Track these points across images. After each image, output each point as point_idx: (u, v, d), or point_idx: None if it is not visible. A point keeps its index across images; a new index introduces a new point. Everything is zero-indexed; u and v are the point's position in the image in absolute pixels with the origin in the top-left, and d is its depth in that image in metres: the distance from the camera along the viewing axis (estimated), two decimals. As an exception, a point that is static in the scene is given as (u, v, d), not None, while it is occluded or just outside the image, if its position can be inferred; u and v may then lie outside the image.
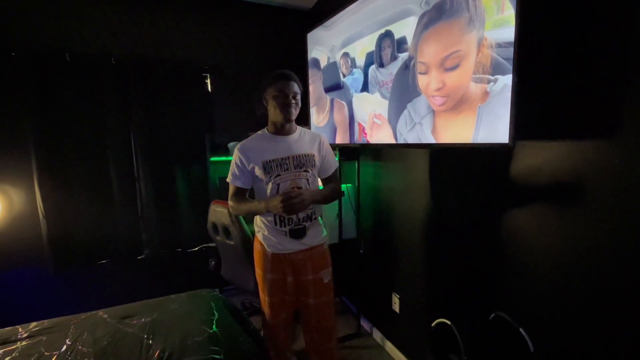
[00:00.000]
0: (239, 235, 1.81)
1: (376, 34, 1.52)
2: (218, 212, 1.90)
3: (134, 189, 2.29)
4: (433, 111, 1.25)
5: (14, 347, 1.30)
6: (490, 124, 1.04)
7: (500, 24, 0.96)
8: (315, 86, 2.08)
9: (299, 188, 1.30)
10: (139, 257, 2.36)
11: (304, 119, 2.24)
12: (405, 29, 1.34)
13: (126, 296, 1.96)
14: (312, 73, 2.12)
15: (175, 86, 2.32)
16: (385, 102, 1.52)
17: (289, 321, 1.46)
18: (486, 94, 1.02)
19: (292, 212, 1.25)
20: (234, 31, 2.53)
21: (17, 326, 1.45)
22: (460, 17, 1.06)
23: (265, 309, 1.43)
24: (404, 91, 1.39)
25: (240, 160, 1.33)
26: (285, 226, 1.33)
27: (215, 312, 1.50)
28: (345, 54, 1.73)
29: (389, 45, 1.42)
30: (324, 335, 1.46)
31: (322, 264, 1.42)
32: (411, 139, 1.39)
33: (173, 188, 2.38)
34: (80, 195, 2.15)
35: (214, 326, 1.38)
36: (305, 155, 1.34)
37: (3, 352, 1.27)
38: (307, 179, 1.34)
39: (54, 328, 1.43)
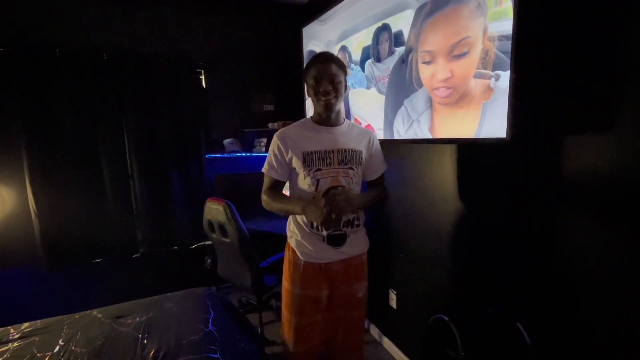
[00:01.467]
0: (235, 232, 1.80)
1: (372, 28, 1.49)
2: (214, 210, 1.88)
3: (128, 187, 2.26)
4: (431, 107, 1.24)
5: (5, 348, 1.28)
6: (496, 120, 1.01)
7: (499, 17, 0.95)
8: None
9: (341, 186, 1.13)
10: (134, 256, 2.34)
11: (299, 112, 2.22)
12: (401, 22, 1.32)
13: (121, 295, 1.94)
14: None
15: (169, 82, 2.29)
16: (382, 98, 1.50)
17: (318, 349, 1.26)
18: (489, 89, 1.01)
19: (330, 223, 1.06)
20: (228, 26, 2.49)
21: (9, 327, 1.42)
22: (470, 2, 1.04)
23: (290, 333, 1.22)
24: (401, 86, 1.37)
25: (279, 149, 1.17)
26: (322, 230, 1.16)
27: (211, 310, 1.48)
28: (344, 48, 1.70)
29: (387, 39, 1.40)
30: (350, 355, 1.30)
31: (359, 276, 1.27)
32: (409, 136, 1.38)
33: (168, 185, 2.35)
34: (73, 193, 2.12)
35: (210, 325, 1.37)
36: (352, 150, 1.18)
37: (-6, 353, 1.24)
38: (351, 178, 1.18)
39: (46, 328, 1.40)
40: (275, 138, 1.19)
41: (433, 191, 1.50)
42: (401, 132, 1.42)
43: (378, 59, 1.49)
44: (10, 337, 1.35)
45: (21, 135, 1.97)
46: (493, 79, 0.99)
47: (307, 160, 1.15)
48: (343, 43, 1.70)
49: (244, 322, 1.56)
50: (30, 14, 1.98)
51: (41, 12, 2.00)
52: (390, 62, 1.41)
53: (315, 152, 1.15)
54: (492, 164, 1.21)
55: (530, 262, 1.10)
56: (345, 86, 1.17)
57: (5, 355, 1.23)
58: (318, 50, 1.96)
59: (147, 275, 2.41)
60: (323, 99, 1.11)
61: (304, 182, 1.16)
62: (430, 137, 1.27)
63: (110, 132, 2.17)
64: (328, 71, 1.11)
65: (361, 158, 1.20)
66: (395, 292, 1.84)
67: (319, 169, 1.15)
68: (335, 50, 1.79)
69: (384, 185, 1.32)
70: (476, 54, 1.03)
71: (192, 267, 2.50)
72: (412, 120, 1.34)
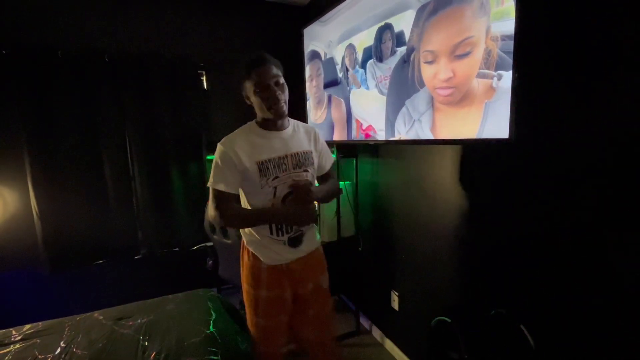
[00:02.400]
0: (236, 234, 1.79)
1: (373, 29, 1.49)
2: (215, 211, 1.88)
3: (130, 188, 2.26)
4: (433, 107, 1.23)
5: (7, 350, 1.28)
6: (498, 120, 1.00)
7: (500, 16, 0.94)
8: (318, 80, 2.03)
9: (298, 182, 1.15)
10: (135, 257, 2.34)
11: (301, 116, 2.22)
12: (402, 22, 1.32)
13: (122, 297, 1.94)
14: (312, 66, 2.07)
15: (170, 83, 2.28)
16: (383, 98, 1.50)
17: (284, 348, 1.27)
18: (491, 89, 1.00)
19: (307, 219, 1.10)
20: (230, 28, 2.49)
21: (11, 329, 1.42)
22: (472, 2, 1.03)
23: (259, 334, 1.23)
24: (402, 87, 1.36)
25: (228, 158, 1.09)
26: (282, 235, 1.16)
27: (212, 312, 1.48)
28: (350, 46, 1.67)
29: (390, 37, 1.39)
30: (324, 350, 1.31)
31: (321, 269, 1.30)
32: (410, 137, 1.37)
33: (169, 187, 2.35)
34: (75, 195, 2.12)
35: (211, 326, 1.37)
36: (303, 152, 1.18)
37: (-4, 355, 1.24)
38: (307, 180, 1.18)
39: (48, 330, 1.41)
40: (221, 148, 1.10)
41: (434, 192, 1.49)
42: (402, 132, 1.41)
43: (380, 59, 1.48)
44: (12, 339, 1.35)
45: (23, 137, 1.98)
46: (495, 78, 0.98)
47: (263, 169, 1.10)
48: (350, 41, 1.67)
49: (245, 324, 1.55)
50: (32, 16, 1.98)
51: (43, 15, 2.01)
52: (392, 62, 1.40)
53: (269, 160, 1.11)
54: (494, 164, 1.20)
55: (534, 264, 1.09)
56: (286, 85, 1.13)
57: (7, 357, 1.23)
58: (320, 51, 1.96)
59: (149, 276, 2.41)
60: (275, 106, 1.07)
61: (261, 193, 1.12)
62: (431, 137, 1.26)
63: (112, 133, 2.17)
64: (270, 73, 1.06)
65: (312, 158, 1.21)
66: (397, 294, 1.83)
67: (277, 177, 1.12)
68: (339, 50, 1.78)
69: (335, 178, 1.34)
70: (479, 53, 1.02)
71: (194, 269, 2.49)
72: (414, 121, 1.34)
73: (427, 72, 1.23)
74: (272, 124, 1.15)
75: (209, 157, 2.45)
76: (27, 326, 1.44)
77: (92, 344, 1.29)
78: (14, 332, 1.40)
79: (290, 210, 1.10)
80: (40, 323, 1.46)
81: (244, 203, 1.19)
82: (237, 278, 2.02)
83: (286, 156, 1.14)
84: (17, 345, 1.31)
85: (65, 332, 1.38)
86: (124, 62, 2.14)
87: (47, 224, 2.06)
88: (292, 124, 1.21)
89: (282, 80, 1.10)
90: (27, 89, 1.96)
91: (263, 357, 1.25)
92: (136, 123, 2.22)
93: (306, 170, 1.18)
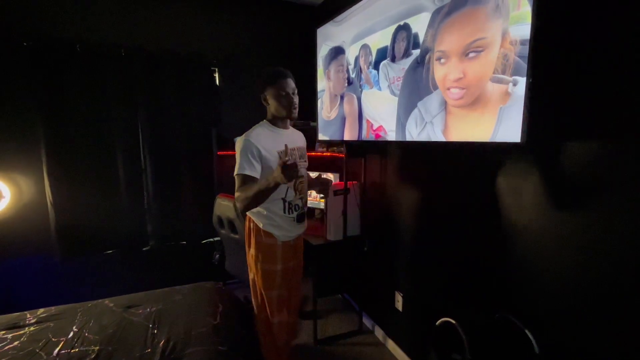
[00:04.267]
0: (243, 229, 1.82)
1: (388, 30, 1.50)
2: (223, 206, 1.91)
3: (141, 181, 2.31)
4: (445, 110, 1.24)
5: (22, 332, 1.32)
6: (512, 125, 1.00)
7: (516, 21, 0.95)
8: (341, 76, 2.00)
9: (302, 177, 1.47)
10: (144, 249, 2.38)
11: (311, 114, 2.24)
12: (417, 24, 1.32)
13: (131, 286, 1.98)
14: (339, 60, 2.02)
15: (183, 79, 2.33)
16: (395, 99, 1.51)
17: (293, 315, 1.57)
18: (507, 94, 1.00)
19: (292, 175, 1.24)
20: (243, 25, 2.52)
21: (26, 312, 1.47)
22: (487, 4, 1.04)
23: (277, 305, 1.45)
24: (415, 88, 1.37)
25: (256, 150, 1.33)
26: (292, 212, 1.45)
27: (219, 304, 1.51)
28: (365, 46, 1.68)
29: (404, 38, 1.40)
30: (294, 312, 1.61)
31: (302, 245, 1.64)
32: (422, 139, 1.38)
33: (180, 181, 2.39)
34: (88, 185, 2.17)
35: (218, 318, 1.39)
36: (302, 148, 1.53)
37: (12, 336, 1.29)
38: (305, 169, 1.54)
39: (61, 315, 1.45)
40: (248, 141, 1.33)
41: (443, 194, 1.50)
42: (414, 134, 1.42)
43: (393, 59, 1.49)
44: (27, 322, 1.39)
45: (40, 128, 2.03)
46: (511, 84, 0.98)
47: (282, 156, 1.32)
48: (363, 41, 1.68)
49: (250, 318, 1.58)
50: (53, 11, 2.04)
51: (63, 9, 2.06)
52: (405, 63, 1.41)
53: (283, 150, 1.37)
54: (504, 167, 1.21)
55: (541, 268, 1.09)
56: None
57: (22, 339, 1.27)
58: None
59: (156, 268, 2.46)
60: (292, 110, 1.39)
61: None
62: (443, 139, 1.27)
63: (126, 127, 2.22)
64: (292, 85, 1.39)
65: (306, 154, 1.56)
66: (401, 295, 1.84)
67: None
68: (352, 50, 1.79)
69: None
70: (492, 55, 1.02)
71: (200, 262, 2.53)
72: (425, 123, 1.34)
73: (439, 72, 1.23)
74: (281, 123, 1.45)
75: (219, 152, 2.48)
76: (41, 310, 1.48)
77: (103, 329, 1.33)
78: (28, 315, 1.44)
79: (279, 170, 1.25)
80: (53, 308, 1.51)
81: None
82: (242, 273, 2.05)
83: (294, 148, 1.47)
84: (32, 328, 1.35)
85: (78, 317, 1.42)
86: (139, 58, 2.19)
87: (60, 213, 2.11)
88: (290, 126, 1.53)
89: (296, 90, 1.42)
90: (46, 81, 2.02)
91: (279, 327, 1.46)
92: (149, 117, 2.26)
93: (305, 161, 1.54)
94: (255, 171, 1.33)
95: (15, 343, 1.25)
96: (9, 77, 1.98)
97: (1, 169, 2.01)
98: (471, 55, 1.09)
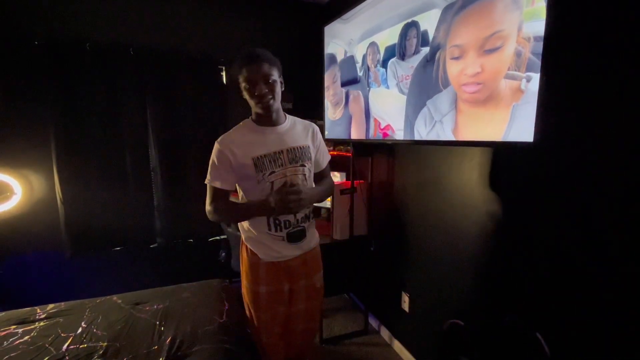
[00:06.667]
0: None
1: (396, 27, 1.48)
2: (230, 204, 1.91)
3: (150, 179, 2.33)
4: (456, 108, 1.21)
5: (32, 327, 1.34)
6: (525, 123, 0.98)
7: (531, 16, 0.92)
8: (335, 86, 2.04)
9: (295, 185, 1.15)
10: (152, 246, 2.40)
11: (319, 113, 2.23)
12: (426, 22, 1.30)
13: (139, 283, 2.00)
14: (329, 74, 2.07)
15: (191, 78, 2.34)
16: (403, 98, 1.49)
17: (283, 334, 1.30)
18: (519, 91, 0.98)
19: (287, 211, 1.10)
20: (250, 24, 2.52)
21: (36, 307, 1.49)
22: None
23: (260, 326, 1.24)
24: (424, 87, 1.35)
25: (224, 157, 1.12)
26: (281, 230, 1.17)
27: (225, 302, 1.51)
28: (373, 44, 1.66)
29: (415, 35, 1.37)
30: (307, 334, 1.37)
31: (316, 268, 1.31)
32: (431, 138, 1.36)
33: (187, 179, 2.40)
34: (98, 183, 2.20)
35: (224, 316, 1.39)
36: (300, 147, 1.19)
37: (22, 331, 1.31)
38: (304, 174, 1.19)
39: (70, 310, 1.47)
40: (218, 146, 1.14)
41: (452, 194, 1.48)
42: (422, 133, 1.40)
43: (402, 56, 1.47)
44: (37, 317, 1.41)
45: (51, 125, 2.06)
46: (524, 80, 0.96)
47: (259, 165, 1.12)
48: (372, 39, 1.66)
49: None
50: (63, 10, 2.06)
51: (74, 8, 2.08)
52: (414, 61, 1.39)
53: (265, 155, 1.13)
54: (516, 168, 1.18)
55: (552, 271, 1.07)
56: (281, 82, 1.14)
57: (32, 333, 1.29)
58: (339, 49, 1.96)
59: (164, 265, 2.47)
60: (261, 102, 1.09)
61: (258, 188, 1.14)
62: (453, 139, 1.25)
63: (135, 125, 2.24)
64: (261, 71, 1.07)
65: (310, 153, 1.21)
66: (408, 295, 1.82)
67: (273, 172, 1.14)
68: (360, 48, 1.78)
69: (329, 177, 1.34)
70: (509, 49, 0.99)
71: (207, 260, 2.55)
72: (435, 122, 1.33)
73: (453, 68, 1.20)
74: (266, 120, 1.16)
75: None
76: (51, 305, 1.50)
77: (110, 325, 1.34)
78: (38, 311, 1.46)
79: (271, 199, 1.09)
80: (62, 303, 1.53)
81: (242, 200, 1.22)
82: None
83: (282, 151, 1.16)
84: (42, 323, 1.37)
85: (86, 313, 1.44)
86: (147, 56, 2.20)
87: (69, 210, 2.14)
88: (289, 119, 1.23)
89: (273, 77, 1.09)
90: (56, 79, 2.04)
91: (267, 348, 1.28)
92: (157, 115, 2.28)
93: (303, 165, 1.19)
94: (227, 182, 1.14)
95: (26, 338, 1.27)
96: (20, 75, 2.01)
97: (13, 165, 2.04)
98: (490, 49, 1.05)
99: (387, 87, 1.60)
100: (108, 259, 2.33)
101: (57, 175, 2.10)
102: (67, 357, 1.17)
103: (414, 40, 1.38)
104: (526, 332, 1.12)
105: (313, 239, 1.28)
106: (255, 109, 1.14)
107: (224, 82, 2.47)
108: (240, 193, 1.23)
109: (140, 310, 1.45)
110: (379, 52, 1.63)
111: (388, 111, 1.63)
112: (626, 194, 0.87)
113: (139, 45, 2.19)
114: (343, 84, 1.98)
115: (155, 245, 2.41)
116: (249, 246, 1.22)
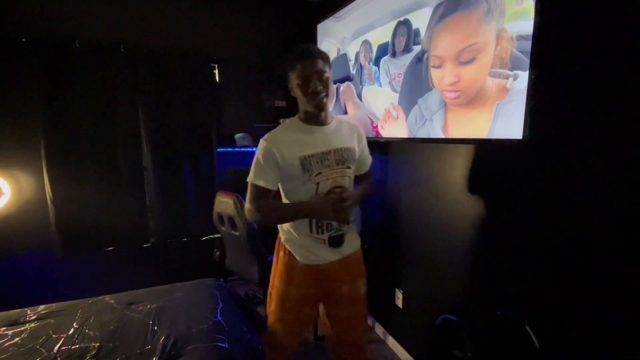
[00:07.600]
0: (244, 226, 1.82)
1: (389, 25, 1.49)
2: (224, 203, 1.91)
3: (142, 178, 2.30)
4: (445, 107, 1.23)
5: (22, 328, 1.32)
6: (509, 121, 1.00)
7: (519, 16, 0.94)
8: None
9: (341, 187, 1.11)
10: (144, 245, 2.39)
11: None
12: (419, 20, 1.31)
13: (132, 283, 1.97)
14: None
15: (183, 76, 2.31)
16: (396, 96, 1.50)
17: (300, 338, 1.28)
18: (505, 90, 1.00)
19: (343, 218, 1.08)
20: (243, 21, 2.50)
21: (26, 308, 1.47)
22: (478, 8, 1.04)
23: (284, 328, 1.22)
24: (415, 85, 1.36)
25: (271, 155, 1.07)
26: (323, 233, 1.13)
27: (219, 301, 1.51)
28: (366, 42, 1.67)
29: (404, 33, 1.39)
30: (355, 349, 1.29)
31: (359, 273, 1.26)
32: (421, 136, 1.37)
33: (180, 178, 2.39)
34: (89, 182, 2.17)
35: (218, 315, 1.39)
36: (346, 149, 1.14)
37: (12, 332, 1.29)
38: (350, 177, 1.16)
39: (61, 311, 1.45)
40: (264, 144, 1.09)
41: (444, 191, 1.49)
42: (414, 131, 1.42)
43: (394, 55, 1.48)
44: (28, 318, 1.39)
45: (40, 123, 2.02)
46: (511, 79, 0.97)
47: (306, 165, 1.08)
48: (365, 37, 1.67)
49: (250, 314, 1.58)
50: (51, 5, 2.02)
51: (62, 4, 2.04)
52: (406, 59, 1.40)
53: (312, 155, 1.08)
54: (505, 165, 1.20)
55: (541, 266, 1.09)
56: (331, 80, 1.12)
57: (23, 335, 1.28)
58: (332, 47, 1.96)
59: (157, 265, 2.46)
60: (315, 99, 1.05)
61: (304, 189, 1.10)
62: (442, 136, 1.26)
63: (126, 123, 2.21)
64: (315, 68, 1.03)
65: (355, 155, 1.18)
66: (401, 292, 1.84)
67: (320, 173, 1.09)
68: (353, 46, 1.78)
69: (371, 178, 1.33)
70: (487, 58, 1.02)
71: (201, 259, 2.53)
72: (425, 120, 1.34)
73: (435, 75, 1.24)
74: (314, 119, 1.12)
75: (219, 149, 2.48)
76: (42, 307, 1.48)
77: (103, 326, 1.33)
78: (29, 312, 1.44)
79: (325, 204, 1.07)
80: (54, 304, 1.51)
81: (284, 201, 1.18)
82: (243, 270, 2.05)
83: (329, 152, 1.11)
84: (33, 325, 1.35)
85: (78, 314, 1.42)
86: (139, 54, 2.18)
87: (60, 209, 2.11)
88: (335, 120, 1.18)
89: (327, 74, 1.07)
90: (45, 76, 2.00)
91: (279, 348, 1.26)
92: (149, 114, 2.25)
93: (349, 167, 1.15)
94: (271, 182, 1.09)
95: (16, 339, 1.25)
96: (8, 73, 1.97)
97: (1, 165, 2.01)
98: (465, 61, 1.08)
99: (380, 85, 1.61)
100: (100, 259, 2.31)
101: (46, 174, 2.07)
102: (59, 358, 1.16)
103: (403, 38, 1.40)
104: (516, 326, 1.14)
105: (353, 243, 1.24)
106: (306, 106, 1.09)
107: (217, 80, 2.45)
108: (283, 196, 1.18)
109: (133, 310, 1.44)
110: (372, 50, 1.63)
111: (381, 109, 1.64)
112: (614, 189, 0.89)
113: (130, 42, 2.16)
114: (336, 82, 1.98)
115: (148, 244, 2.39)
116: (287, 247, 1.18)
